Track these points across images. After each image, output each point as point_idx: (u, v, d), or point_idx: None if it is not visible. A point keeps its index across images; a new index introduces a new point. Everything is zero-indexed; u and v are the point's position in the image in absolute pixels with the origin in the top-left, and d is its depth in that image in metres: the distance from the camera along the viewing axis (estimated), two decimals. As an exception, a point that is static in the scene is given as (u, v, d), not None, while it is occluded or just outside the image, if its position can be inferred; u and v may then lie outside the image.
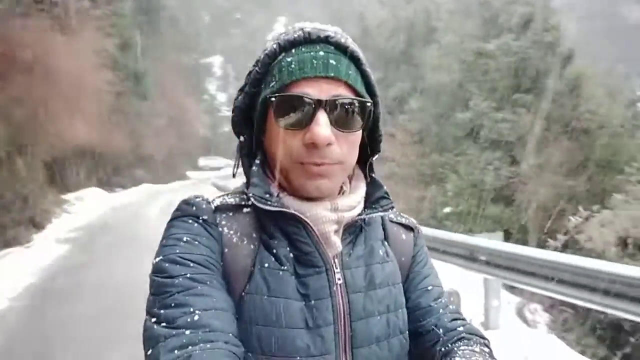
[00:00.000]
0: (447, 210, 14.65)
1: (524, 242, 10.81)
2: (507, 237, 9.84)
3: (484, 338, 0.88)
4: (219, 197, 0.89)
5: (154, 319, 0.72)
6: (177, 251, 0.77)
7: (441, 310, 0.90)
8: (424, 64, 22.95)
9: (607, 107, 13.98)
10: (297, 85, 0.78)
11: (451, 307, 0.93)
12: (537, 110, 13.73)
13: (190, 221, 0.82)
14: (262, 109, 0.82)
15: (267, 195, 0.81)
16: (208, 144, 48.01)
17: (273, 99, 0.78)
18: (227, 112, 61.97)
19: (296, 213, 0.80)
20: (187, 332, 0.69)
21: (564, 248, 7.10)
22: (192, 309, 0.71)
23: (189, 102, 36.70)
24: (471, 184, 13.98)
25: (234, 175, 0.93)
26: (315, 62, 0.77)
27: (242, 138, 0.88)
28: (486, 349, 0.83)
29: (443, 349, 0.85)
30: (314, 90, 0.77)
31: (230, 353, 0.69)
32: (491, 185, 12.84)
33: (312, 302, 0.80)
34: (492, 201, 13.59)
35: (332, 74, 0.77)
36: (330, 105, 0.77)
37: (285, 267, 0.80)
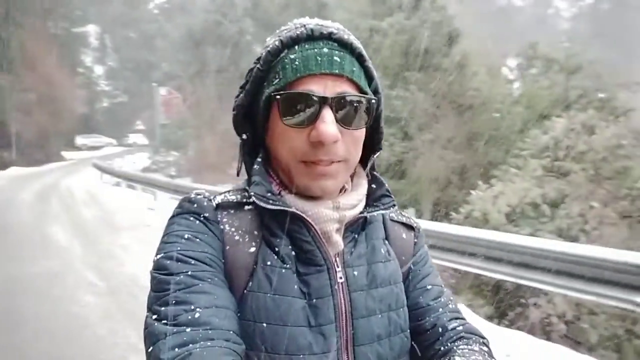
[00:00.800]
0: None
1: (419, 216, 11.31)
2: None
3: (483, 337, 0.88)
4: (221, 194, 0.88)
5: (154, 316, 0.72)
6: (178, 248, 0.77)
7: (440, 310, 0.90)
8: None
9: (489, 85, 14.99)
10: (302, 82, 0.77)
11: (451, 307, 0.92)
12: (427, 87, 14.33)
13: (192, 218, 0.82)
14: (265, 107, 0.81)
15: (269, 194, 0.81)
16: (86, 121, 44.36)
17: (278, 96, 0.77)
18: (105, 86, 57.32)
19: (297, 212, 0.80)
20: (188, 329, 0.69)
21: (465, 219, 7.48)
22: (192, 307, 0.71)
23: (62, 76, 33.30)
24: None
25: (237, 174, 0.91)
26: (319, 58, 0.77)
27: (244, 136, 0.87)
28: (485, 348, 0.83)
29: (442, 348, 0.85)
30: (318, 88, 0.76)
31: (231, 351, 0.69)
32: (387, 160, 13.23)
33: (314, 300, 0.80)
34: (388, 176, 14.05)
35: (337, 71, 0.77)
36: (335, 103, 0.76)
37: (288, 265, 0.80)
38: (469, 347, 0.83)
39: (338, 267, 0.83)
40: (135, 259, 7.22)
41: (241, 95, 0.85)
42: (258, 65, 0.82)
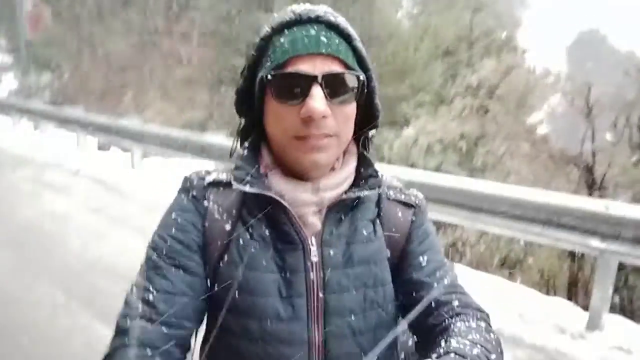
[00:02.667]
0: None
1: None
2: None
3: (480, 311, 0.87)
4: (216, 171, 0.94)
5: (135, 280, 0.86)
6: (165, 226, 0.88)
7: (435, 285, 0.90)
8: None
9: (394, 19, 14.98)
10: (291, 63, 0.80)
11: (446, 282, 0.91)
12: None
13: (183, 196, 0.91)
14: (260, 90, 0.85)
15: (249, 177, 0.85)
16: None
17: (269, 77, 0.81)
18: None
19: (273, 196, 0.84)
20: (140, 307, 0.81)
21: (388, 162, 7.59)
22: (150, 288, 0.83)
23: None
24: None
25: (230, 155, 0.94)
26: (306, 40, 0.81)
27: (242, 120, 0.93)
28: (482, 323, 0.83)
29: (440, 326, 0.84)
30: (307, 67, 0.80)
31: (166, 334, 0.81)
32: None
33: (287, 274, 0.85)
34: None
35: (324, 51, 0.80)
36: (323, 80, 0.80)
37: (263, 242, 0.86)
38: (467, 324, 0.82)
39: (313, 245, 0.87)
40: (27, 201, 6.37)
41: (240, 80, 0.89)
42: (252, 51, 0.86)
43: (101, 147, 10.24)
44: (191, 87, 17.45)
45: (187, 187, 0.91)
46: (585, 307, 3.99)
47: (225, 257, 0.86)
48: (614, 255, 3.47)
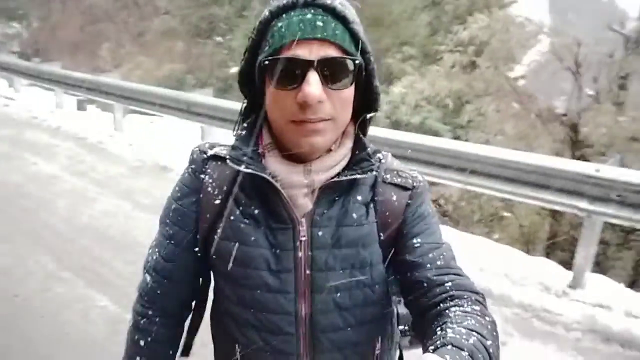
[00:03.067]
0: (233, 70, 13.97)
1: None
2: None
3: (476, 292, 0.87)
4: (220, 146, 0.99)
5: (154, 237, 1.05)
6: (172, 194, 1.01)
7: (428, 265, 0.90)
8: None
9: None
10: (288, 48, 0.81)
11: (439, 263, 0.91)
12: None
13: (186, 169, 0.99)
14: (259, 73, 0.87)
15: (245, 157, 0.89)
16: None
17: (267, 62, 0.83)
18: None
19: (266, 176, 0.87)
20: (158, 260, 1.01)
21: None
22: (157, 250, 1.02)
23: None
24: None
25: (234, 130, 0.97)
26: (302, 25, 0.81)
27: (245, 101, 0.96)
28: (477, 307, 0.82)
29: (435, 308, 0.85)
30: (304, 52, 0.80)
31: (176, 296, 1.03)
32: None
33: (277, 250, 0.90)
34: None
35: (319, 35, 0.81)
36: (319, 65, 0.81)
37: (251, 220, 0.91)
38: (461, 308, 0.82)
39: (303, 226, 0.90)
40: (7, 164, 6.21)
41: (243, 61, 0.91)
42: (252, 35, 0.88)
43: (80, 107, 9.94)
44: (169, 38, 16.82)
45: (190, 160, 1.00)
46: (564, 264, 4.14)
47: (218, 231, 0.92)
48: (601, 216, 3.56)
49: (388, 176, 0.97)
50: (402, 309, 1.04)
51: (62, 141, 7.46)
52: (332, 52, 0.82)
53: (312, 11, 0.82)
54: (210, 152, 0.97)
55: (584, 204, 3.56)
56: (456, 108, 7.35)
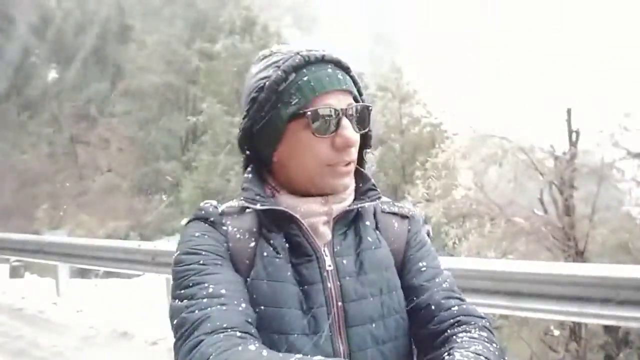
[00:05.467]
0: (184, 222, 13.38)
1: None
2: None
3: (481, 317, 0.91)
4: (226, 204, 1.00)
5: (176, 300, 0.85)
6: (191, 244, 0.91)
7: (435, 289, 0.94)
8: (123, 64, 20.87)
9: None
10: (319, 99, 0.89)
11: (445, 286, 0.96)
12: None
13: (201, 222, 0.95)
14: (280, 127, 0.91)
15: (258, 197, 0.93)
16: None
17: (308, 113, 0.89)
18: None
19: (284, 209, 0.91)
20: (205, 300, 0.82)
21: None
22: (206, 284, 0.84)
23: None
24: (214, 191, 13.10)
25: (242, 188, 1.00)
26: (328, 78, 0.90)
27: (247, 152, 0.99)
28: (484, 333, 0.86)
29: (442, 334, 0.88)
30: (334, 102, 0.90)
31: (243, 312, 0.83)
32: (237, 189, 12.37)
33: (305, 287, 0.89)
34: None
35: (343, 87, 0.91)
36: (350, 112, 0.91)
37: (281, 256, 0.90)
38: (469, 334, 0.85)
39: (327, 255, 0.92)
40: None
41: (245, 120, 0.95)
42: (261, 94, 0.92)
43: (13, 275, 8.74)
44: (112, 195, 16.23)
45: (201, 215, 0.95)
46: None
47: (252, 272, 0.90)
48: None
49: (385, 206, 1.04)
50: None
51: (-6, 316, 6.22)
52: (351, 100, 0.92)
53: (328, 66, 0.92)
54: (222, 208, 0.97)
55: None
56: (437, 233, 7.08)
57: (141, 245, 6.22)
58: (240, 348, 0.75)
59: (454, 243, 7.15)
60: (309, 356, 0.74)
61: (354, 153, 0.91)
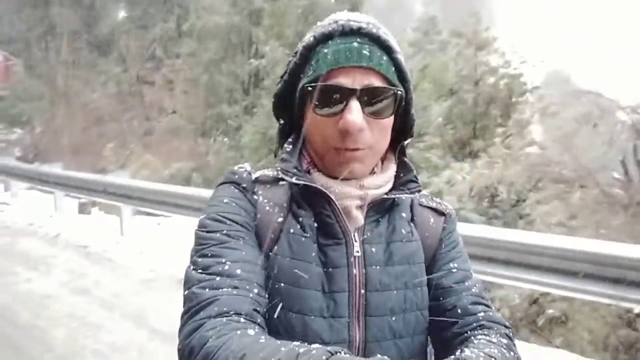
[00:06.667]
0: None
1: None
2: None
3: (506, 327, 0.89)
4: (261, 171, 0.97)
5: (192, 266, 0.84)
6: (218, 210, 0.89)
7: (463, 293, 0.92)
8: (188, 3, 20.70)
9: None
10: (333, 75, 0.83)
11: (474, 291, 0.94)
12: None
13: (233, 187, 0.92)
14: (300, 96, 0.88)
15: (295, 170, 0.89)
16: None
17: (310, 88, 0.85)
18: None
19: (320, 187, 0.87)
20: (217, 278, 0.80)
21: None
22: (223, 260, 0.82)
23: None
24: (271, 138, 12.97)
25: (275, 156, 0.97)
26: (348, 53, 0.83)
27: (281, 121, 0.97)
28: (504, 340, 0.84)
29: (462, 335, 0.87)
30: (347, 80, 0.83)
31: (253, 300, 0.80)
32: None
33: (330, 269, 0.87)
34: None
35: (365, 64, 0.83)
36: (362, 94, 0.83)
37: (309, 235, 0.88)
38: (487, 337, 0.83)
39: (356, 241, 0.89)
40: None
41: (279, 84, 0.93)
42: (294, 59, 0.90)
43: (81, 211, 9.06)
44: (176, 137, 16.50)
45: (234, 179, 0.93)
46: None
47: (275, 248, 0.87)
48: None
49: (423, 200, 1.00)
50: None
51: (61, 250, 6.46)
52: (376, 81, 0.84)
53: (359, 40, 0.84)
54: (256, 175, 0.94)
55: None
56: (511, 200, 6.53)
57: (201, 193, 6.15)
58: (239, 332, 0.73)
59: (531, 215, 6.57)
60: (306, 344, 0.70)
61: (362, 140, 0.84)
